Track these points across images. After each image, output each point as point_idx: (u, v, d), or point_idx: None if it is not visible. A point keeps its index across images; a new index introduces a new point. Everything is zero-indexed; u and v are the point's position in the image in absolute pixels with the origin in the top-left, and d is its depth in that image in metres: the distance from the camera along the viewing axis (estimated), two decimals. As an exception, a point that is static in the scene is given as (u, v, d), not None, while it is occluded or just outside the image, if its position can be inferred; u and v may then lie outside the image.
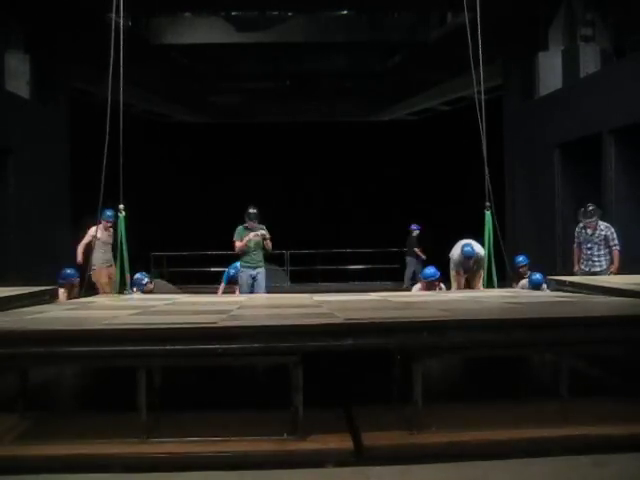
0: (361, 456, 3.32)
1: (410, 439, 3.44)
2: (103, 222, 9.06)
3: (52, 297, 6.63)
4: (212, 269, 15.11)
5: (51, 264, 10.90)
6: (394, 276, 14.79)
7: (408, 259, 14.38)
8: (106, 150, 7.35)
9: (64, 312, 5.01)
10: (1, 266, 9.81)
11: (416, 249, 14.20)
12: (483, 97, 7.49)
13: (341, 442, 3.39)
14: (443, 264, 9.52)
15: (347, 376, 4.51)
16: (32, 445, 3.51)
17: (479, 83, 7.17)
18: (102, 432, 3.56)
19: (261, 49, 15.13)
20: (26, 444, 3.53)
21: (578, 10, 11.45)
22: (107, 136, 7.39)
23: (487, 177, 7.27)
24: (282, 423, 3.52)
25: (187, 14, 14.30)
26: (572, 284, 6.12)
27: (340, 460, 3.30)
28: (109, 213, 9.02)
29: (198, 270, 14.79)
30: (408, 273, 14.16)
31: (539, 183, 11.97)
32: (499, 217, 13.35)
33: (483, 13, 7.75)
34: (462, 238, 9.60)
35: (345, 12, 14.49)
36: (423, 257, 13.90)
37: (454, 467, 3.23)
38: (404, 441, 3.43)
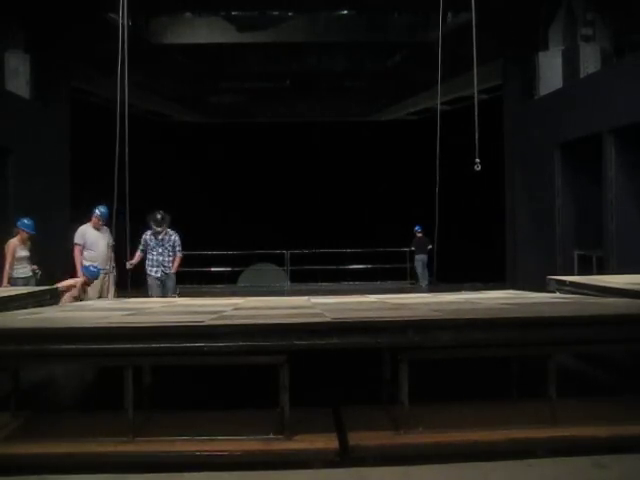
0: (347, 456, 3.31)
1: (396, 439, 3.43)
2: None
3: (52, 297, 6.66)
4: (213, 269, 15.17)
5: (51, 264, 10.95)
6: (395, 276, 14.78)
7: None
8: (117, 150, 7.32)
9: (59, 313, 5.02)
10: (1, 266, 9.83)
11: None
12: (477, 98, 7.50)
13: (327, 442, 3.38)
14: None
15: (336, 376, 4.51)
16: (22, 444, 3.52)
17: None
18: (91, 431, 3.57)
19: (261, 49, 15.16)
20: (16, 443, 3.54)
21: (578, 10, 11.44)
22: (118, 136, 7.34)
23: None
24: (269, 423, 3.51)
25: (187, 14, 14.33)
26: (572, 284, 6.11)
27: (326, 460, 3.29)
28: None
29: (198, 270, 14.81)
30: None
31: (539, 183, 11.95)
32: (499, 217, 13.43)
33: (483, 13, 7.74)
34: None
35: (345, 12, 14.51)
36: None
37: (448, 468, 3.22)
38: (390, 441, 3.42)
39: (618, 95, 9.60)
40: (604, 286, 5.51)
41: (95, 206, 8.46)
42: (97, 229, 8.39)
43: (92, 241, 8.32)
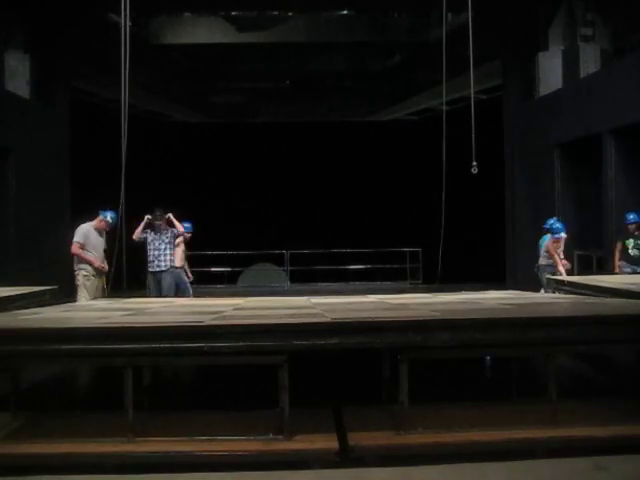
0: (346, 456, 3.31)
1: (396, 439, 3.43)
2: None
3: (52, 297, 6.65)
4: (212, 269, 15.14)
5: (51, 264, 10.95)
6: (394, 276, 14.77)
7: None
8: (124, 152, 7.30)
9: (59, 313, 5.02)
10: (1, 266, 9.84)
11: None
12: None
13: (327, 442, 3.38)
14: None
15: (336, 376, 4.51)
16: (22, 444, 3.51)
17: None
18: (91, 431, 3.57)
19: (261, 49, 15.16)
20: (16, 443, 3.54)
21: (578, 10, 11.44)
22: (124, 138, 7.32)
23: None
24: (269, 423, 3.51)
25: (187, 14, 14.33)
26: (571, 284, 6.13)
27: (326, 460, 3.29)
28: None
29: (198, 270, 14.78)
30: None
31: (539, 183, 11.95)
32: (499, 217, 13.43)
33: (483, 13, 7.76)
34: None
35: (345, 12, 14.51)
36: None
37: (448, 468, 3.21)
38: (390, 441, 3.42)
39: (618, 95, 9.60)
40: (603, 286, 5.51)
41: (102, 209, 8.10)
42: (99, 232, 8.06)
43: (94, 244, 7.96)
